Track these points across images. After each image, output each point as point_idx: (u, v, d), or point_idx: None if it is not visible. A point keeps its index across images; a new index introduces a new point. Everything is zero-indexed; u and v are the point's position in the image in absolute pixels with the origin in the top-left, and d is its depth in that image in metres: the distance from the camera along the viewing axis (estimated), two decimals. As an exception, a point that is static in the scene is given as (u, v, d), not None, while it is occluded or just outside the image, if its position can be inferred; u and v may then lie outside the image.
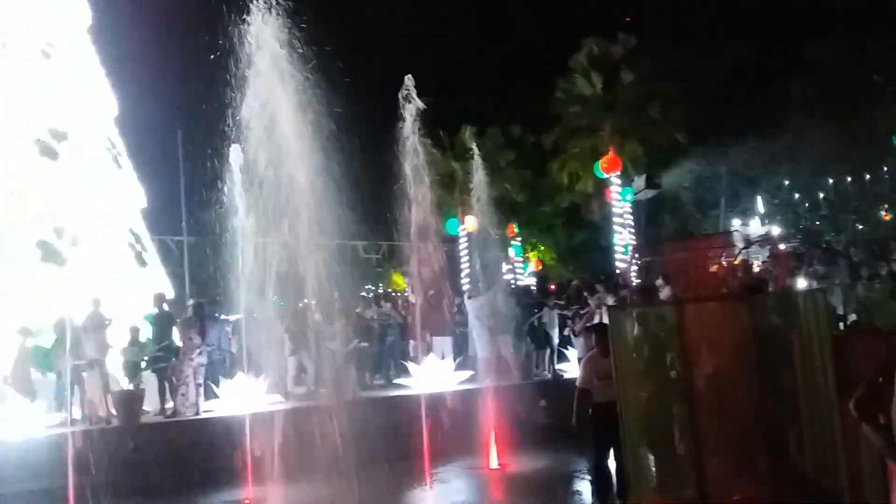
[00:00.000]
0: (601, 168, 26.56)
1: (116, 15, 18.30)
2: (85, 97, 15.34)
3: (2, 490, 10.17)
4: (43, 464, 10.34)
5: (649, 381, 6.37)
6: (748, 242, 18.69)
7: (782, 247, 21.93)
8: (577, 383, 7.94)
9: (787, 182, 32.62)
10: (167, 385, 12.44)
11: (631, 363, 6.55)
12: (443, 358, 14.20)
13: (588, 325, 13.20)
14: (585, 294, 16.23)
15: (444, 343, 15.30)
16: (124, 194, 15.66)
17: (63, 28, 15.60)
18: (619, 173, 26.63)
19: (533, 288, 25.45)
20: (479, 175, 18.17)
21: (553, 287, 19.72)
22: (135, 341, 12.31)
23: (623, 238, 25.92)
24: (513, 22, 34.78)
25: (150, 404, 12.60)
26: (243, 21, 12.56)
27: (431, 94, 15.08)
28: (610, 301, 15.66)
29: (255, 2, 12.25)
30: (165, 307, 13.53)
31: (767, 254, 18.80)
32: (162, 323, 12.76)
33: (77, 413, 11.86)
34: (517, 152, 31.19)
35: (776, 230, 28.52)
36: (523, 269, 30.82)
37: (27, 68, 14.82)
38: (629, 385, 6.34)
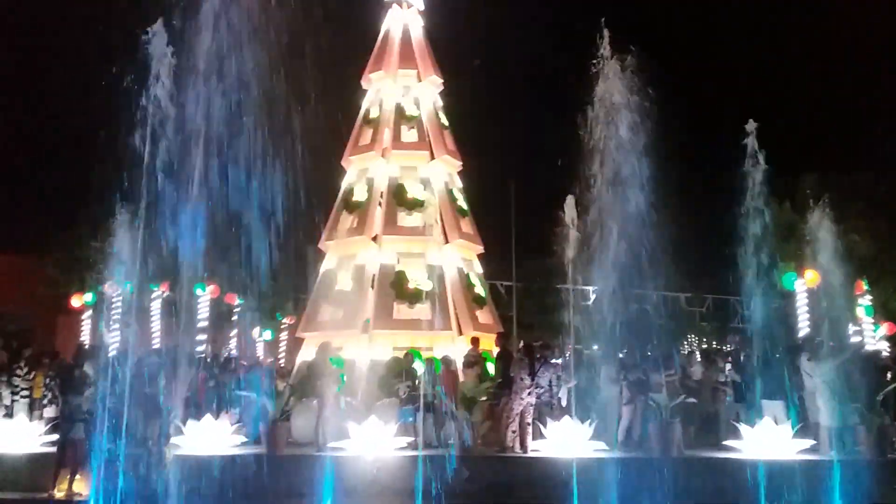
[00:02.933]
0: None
1: (460, 81, 20.24)
2: (438, 155, 17.23)
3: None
4: (392, 482, 11.57)
5: None
6: None
7: None
8: None
9: None
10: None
11: None
12: (776, 422, 13.17)
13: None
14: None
15: (776, 407, 14.19)
16: (468, 240, 17.11)
17: (420, 97, 17.71)
18: None
19: (886, 353, 22.48)
20: (821, 225, 16.79)
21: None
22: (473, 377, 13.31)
23: None
24: (857, 57, 31.60)
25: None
26: (578, 84, 13.21)
27: (771, 140, 14.40)
28: None
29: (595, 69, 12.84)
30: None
31: None
32: (503, 361, 13.59)
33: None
34: (867, 199, 28.03)
35: None
36: (874, 331, 27.35)
37: (394, 137, 17.13)
38: None
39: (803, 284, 23.67)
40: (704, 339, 31.59)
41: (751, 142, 14.18)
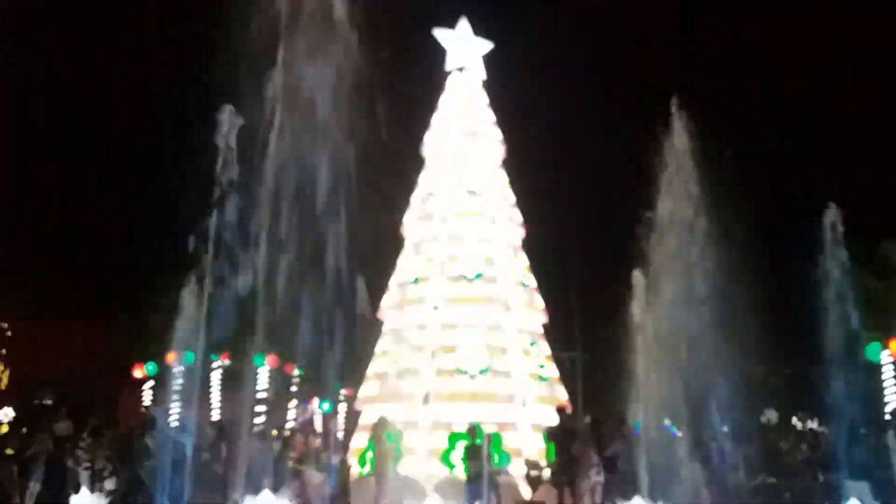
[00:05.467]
0: None
1: (524, 151, 20.11)
2: (499, 225, 17.09)
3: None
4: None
5: None
6: None
7: None
8: None
9: None
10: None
11: None
12: (861, 504, 12.18)
13: None
14: None
15: (861, 488, 13.18)
16: (530, 311, 16.76)
17: (482, 168, 17.67)
18: None
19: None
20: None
21: None
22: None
23: None
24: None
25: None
26: (647, 151, 12.98)
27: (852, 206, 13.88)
28: None
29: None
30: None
31: None
32: (565, 437, 13.00)
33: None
34: (952, 266, 26.59)
35: None
36: (967, 406, 25.54)
37: (455, 208, 17.00)
38: None
39: (889, 356, 22.33)
40: (782, 414, 29.99)
41: (830, 216, 13.69)
